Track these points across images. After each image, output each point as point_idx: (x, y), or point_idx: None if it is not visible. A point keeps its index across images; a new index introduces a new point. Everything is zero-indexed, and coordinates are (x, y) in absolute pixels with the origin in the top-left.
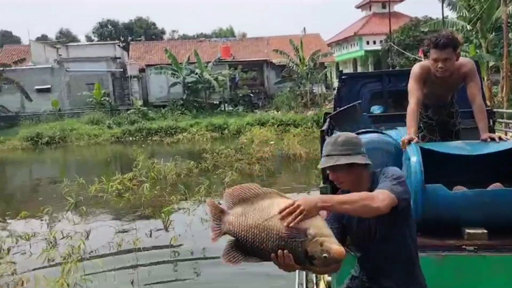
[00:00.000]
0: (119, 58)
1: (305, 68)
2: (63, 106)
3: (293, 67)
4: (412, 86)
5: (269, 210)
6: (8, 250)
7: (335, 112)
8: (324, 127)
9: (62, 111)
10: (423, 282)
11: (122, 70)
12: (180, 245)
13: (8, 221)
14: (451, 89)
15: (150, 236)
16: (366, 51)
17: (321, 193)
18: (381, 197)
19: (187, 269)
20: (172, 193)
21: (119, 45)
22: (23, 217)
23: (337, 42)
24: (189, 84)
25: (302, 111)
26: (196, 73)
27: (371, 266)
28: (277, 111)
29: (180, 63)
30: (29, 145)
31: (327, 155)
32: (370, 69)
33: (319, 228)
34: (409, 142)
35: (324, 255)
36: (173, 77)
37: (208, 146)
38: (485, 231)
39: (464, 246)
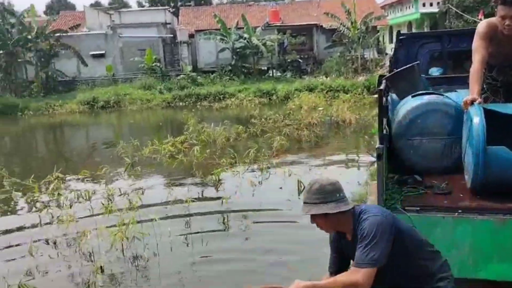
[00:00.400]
0: (169, 23)
1: (356, 32)
2: (116, 72)
3: (344, 31)
4: (477, 45)
5: None
6: (70, 205)
7: (391, 73)
8: (382, 87)
9: (115, 77)
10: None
11: (172, 35)
12: (230, 204)
13: (69, 179)
14: None
15: (201, 195)
16: (422, 14)
17: (377, 154)
18: (361, 279)
19: (237, 224)
20: (222, 156)
21: (169, 11)
22: (83, 175)
23: (391, 4)
24: (238, 50)
25: (352, 77)
26: (245, 38)
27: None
28: (326, 77)
29: (229, 28)
30: (85, 109)
31: (304, 203)
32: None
33: None
34: (472, 102)
35: None
36: (222, 42)
37: (256, 111)
38: None
39: None
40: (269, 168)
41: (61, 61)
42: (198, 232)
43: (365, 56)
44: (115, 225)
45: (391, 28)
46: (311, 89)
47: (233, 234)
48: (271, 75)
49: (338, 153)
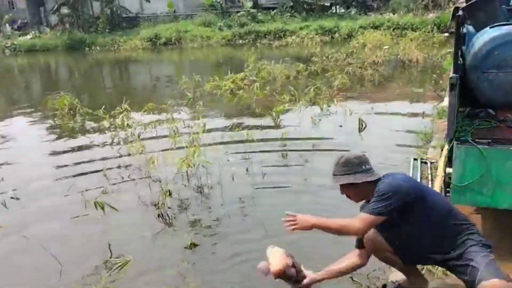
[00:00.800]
0: None
1: None
2: (177, 8)
3: None
4: None
5: None
6: (139, 135)
7: (468, 3)
8: (460, 12)
9: (176, 13)
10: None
11: None
12: (290, 139)
13: (135, 112)
14: None
15: (262, 131)
16: None
17: (450, 83)
18: (358, 223)
19: (296, 158)
20: (282, 93)
21: None
22: (149, 108)
23: None
24: None
25: (422, 13)
26: None
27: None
28: (394, 14)
29: None
30: (148, 45)
31: (333, 175)
32: None
33: None
34: None
35: None
36: None
37: (317, 50)
38: None
39: None
40: (330, 106)
41: None
42: (258, 166)
43: None
44: (180, 154)
45: None
46: (376, 27)
47: (292, 168)
48: (334, 11)
49: (403, 92)
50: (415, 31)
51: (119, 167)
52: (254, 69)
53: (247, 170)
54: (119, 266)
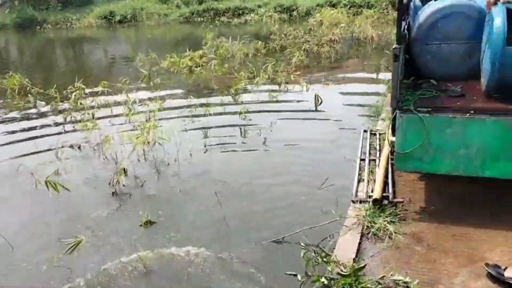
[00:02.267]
0: None
1: None
2: None
3: None
4: None
5: None
6: (93, 114)
7: None
8: None
9: None
10: None
11: None
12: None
13: (89, 91)
14: None
15: (220, 106)
16: None
17: (394, 54)
18: None
19: (253, 134)
20: (240, 71)
21: None
22: (103, 87)
23: None
24: None
25: None
26: None
27: None
28: None
29: None
30: (103, 23)
31: None
32: None
33: None
34: (495, 2)
35: None
36: None
37: (275, 27)
38: None
39: None
40: (288, 83)
41: None
42: (216, 143)
43: None
44: (137, 132)
45: None
46: (333, 5)
47: (250, 143)
48: None
49: (358, 69)
50: (371, 9)
51: (71, 146)
52: (212, 46)
53: (205, 146)
54: (72, 246)
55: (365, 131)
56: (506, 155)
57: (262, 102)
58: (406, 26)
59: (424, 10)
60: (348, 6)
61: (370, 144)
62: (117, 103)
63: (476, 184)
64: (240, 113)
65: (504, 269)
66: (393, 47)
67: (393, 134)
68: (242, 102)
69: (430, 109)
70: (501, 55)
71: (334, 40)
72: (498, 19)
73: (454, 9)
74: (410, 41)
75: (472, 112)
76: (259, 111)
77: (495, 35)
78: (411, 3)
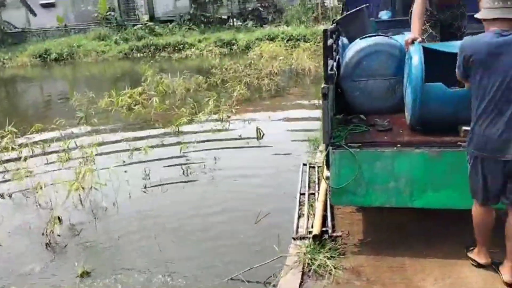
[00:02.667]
0: None
1: None
2: (68, 22)
3: None
4: None
5: None
6: (25, 158)
7: (340, 17)
8: (329, 29)
9: (68, 27)
10: None
11: None
12: (189, 152)
13: (23, 134)
14: None
15: (161, 145)
16: None
17: (322, 93)
18: None
19: (196, 171)
20: (182, 107)
21: None
22: (37, 129)
23: None
24: None
25: (313, 25)
26: None
27: None
28: (287, 26)
29: None
30: (38, 62)
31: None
32: None
33: None
34: (413, 42)
35: None
36: None
37: (216, 61)
38: None
39: (459, 143)
40: (229, 117)
41: (8, 12)
42: (157, 182)
43: (325, 4)
44: (71, 177)
45: None
46: (272, 38)
47: (191, 180)
48: (231, 24)
49: (298, 101)
50: (307, 42)
51: (1, 196)
52: (152, 83)
53: (145, 186)
54: None
55: (304, 164)
56: (431, 185)
57: (205, 137)
58: (336, 64)
59: (350, 48)
60: (286, 40)
61: (309, 178)
62: (52, 147)
63: (412, 213)
64: (182, 149)
65: None
66: (322, 86)
67: (327, 169)
68: (184, 138)
69: (360, 144)
70: (420, 92)
71: (274, 72)
72: (415, 58)
73: (377, 47)
74: (339, 77)
75: (399, 145)
76: (202, 147)
77: (414, 73)
78: (339, 41)
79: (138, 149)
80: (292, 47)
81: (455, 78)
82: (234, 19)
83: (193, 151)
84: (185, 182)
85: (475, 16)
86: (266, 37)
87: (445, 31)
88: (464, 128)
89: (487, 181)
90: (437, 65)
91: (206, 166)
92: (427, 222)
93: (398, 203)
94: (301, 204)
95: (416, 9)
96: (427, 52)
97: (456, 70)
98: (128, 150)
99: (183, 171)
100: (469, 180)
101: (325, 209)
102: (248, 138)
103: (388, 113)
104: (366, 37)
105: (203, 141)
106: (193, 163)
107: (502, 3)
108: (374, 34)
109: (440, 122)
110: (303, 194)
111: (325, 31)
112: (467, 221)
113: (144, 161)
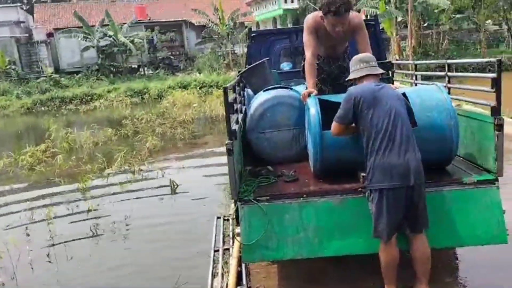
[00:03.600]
0: (23, 22)
1: (225, 28)
2: None
3: (213, 27)
4: (307, 39)
5: None
6: None
7: (244, 70)
8: (229, 85)
9: None
10: None
11: (27, 35)
12: (98, 212)
13: None
14: (341, 41)
15: (66, 205)
16: (284, 10)
17: (227, 149)
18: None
19: (106, 231)
20: (89, 162)
21: (22, 8)
22: None
23: (256, 1)
24: (103, 48)
25: (224, 72)
26: (110, 36)
27: None
28: (200, 73)
29: (92, 26)
30: None
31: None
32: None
33: None
34: (309, 94)
35: None
36: (85, 40)
37: (127, 112)
38: None
39: (360, 189)
40: (141, 170)
41: None
42: (62, 246)
43: (236, 51)
44: None
45: (258, 24)
46: (184, 86)
47: (101, 240)
48: (142, 73)
49: (213, 148)
50: (220, 89)
51: None
52: (57, 138)
53: (47, 255)
54: None
55: (218, 217)
56: (338, 233)
57: (115, 192)
58: (242, 116)
59: (253, 101)
60: (199, 87)
61: (223, 232)
62: None
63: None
64: (89, 210)
65: None
66: (226, 142)
67: (238, 224)
68: (91, 194)
69: (268, 197)
70: (320, 139)
71: (188, 120)
72: (312, 109)
73: (279, 100)
74: (246, 130)
75: (305, 196)
76: (111, 202)
77: (312, 122)
78: (245, 93)
79: (40, 212)
80: (205, 94)
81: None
82: (145, 68)
83: (103, 207)
84: (92, 240)
85: (346, 79)
86: (179, 85)
87: (334, 83)
88: (363, 174)
89: (391, 214)
90: (333, 114)
91: (115, 223)
92: (340, 270)
93: (309, 254)
94: (215, 261)
95: (307, 64)
96: (323, 102)
97: (340, 120)
98: (29, 213)
99: (91, 230)
100: (373, 219)
101: (240, 265)
102: (162, 190)
103: (295, 162)
104: (268, 89)
105: (114, 197)
106: (101, 220)
107: (366, 64)
108: (276, 86)
109: (341, 168)
110: (217, 250)
111: (225, 88)
112: (377, 263)
113: (47, 224)
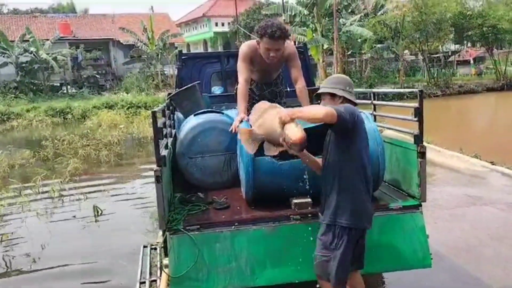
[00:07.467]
0: None
1: (154, 48)
2: None
3: (141, 47)
4: (240, 66)
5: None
6: None
7: (174, 93)
8: (157, 109)
9: None
10: None
11: None
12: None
13: None
14: (275, 68)
15: None
16: (215, 33)
17: (155, 176)
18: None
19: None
20: (3, 187)
21: None
22: None
23: (186, 22)
24: (23, 64)
25: (153, 93)
26: (31, 52)
27: None
28: (127, 93)
29: (12, 41)
30: None
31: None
32: (220, 50)
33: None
34: (241, 121)
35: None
36: (3, 56)
37: (48, 132)
38: (310, 200)
39: (291, 216)
40: (62, 195)
41: None
42: None
43: (165, 72)
44: None
45: (188, 45)
46: (111, 106)
47: (11, 277)
48: (65, 92)
49: (140, 172)
50: (148, 109)
51: None
52: None
53: None
54: None
55: (145, 246)
56: (271, 261)
57: (30, 223)
58: (172, 139)
59: (184, 126)
60: (126, 107)
61: (150, 262)
62: None
63: None
64: (2, 240)
65: None
66: (154, 169)
67: (166, 255)
68: (4, 226)
69: (199, 226)
70: (252, 165)
71: (114, 142)
72: None
73: (210, 124)
74: (176, 154)
75: (237, 224)
76: (25, 232)
77: (243, 150)
78: (175, 116)
79: None
80: (133, 115)
81: (284, 151)
82: (68, 86)
83: (16, 239)
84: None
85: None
86: (104, 105)
87: None
88: (295, 201)
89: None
90: None
91: (30, 256)
92: None
93: (242, 284)
94: None
95: (239, 89)
96: None
97: (342, 116)
98: None
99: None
100: (340, 260)
101: None
102: (84, 217)
103: (227, 188)
104: (199, 113)
105: (30, 225)
106: (16, 257)
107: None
108: (207, 110)
109: (273, 195)
110: (143, 282)
111: (153, 113)
112: None
113: None
